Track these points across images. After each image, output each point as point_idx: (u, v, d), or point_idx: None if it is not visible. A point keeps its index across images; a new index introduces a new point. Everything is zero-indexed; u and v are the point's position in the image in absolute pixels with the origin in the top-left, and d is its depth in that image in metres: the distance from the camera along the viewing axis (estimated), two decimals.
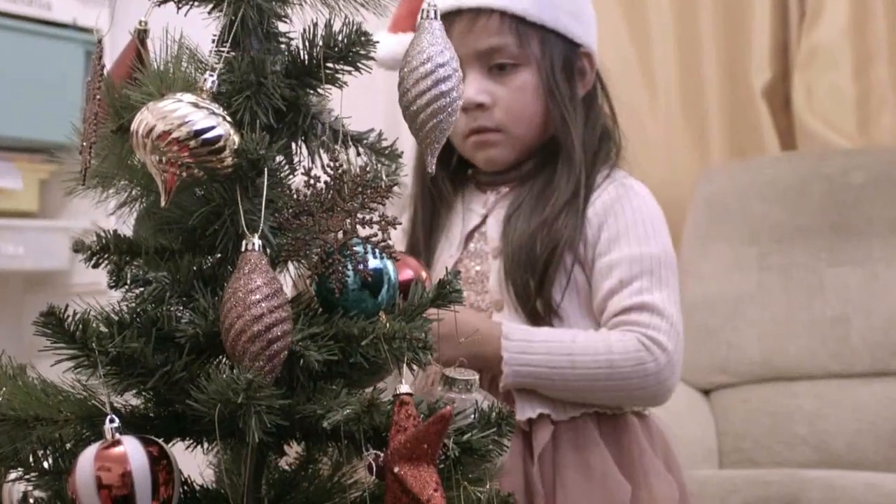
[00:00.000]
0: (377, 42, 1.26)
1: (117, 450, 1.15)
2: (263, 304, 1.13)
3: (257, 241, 1.18)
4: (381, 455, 1.17)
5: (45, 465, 1.26)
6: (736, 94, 3.34)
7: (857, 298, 2.86)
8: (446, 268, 1.30)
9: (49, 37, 2.77)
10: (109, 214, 1.34)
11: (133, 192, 1.32)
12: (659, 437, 1.92)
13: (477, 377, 1.36)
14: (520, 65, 1.89)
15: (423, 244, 1.94)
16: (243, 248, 1.17)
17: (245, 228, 1.19)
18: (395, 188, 1.27)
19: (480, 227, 1.93)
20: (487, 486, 1.27)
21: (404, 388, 1.18)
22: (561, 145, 1.89)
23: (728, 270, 2.98)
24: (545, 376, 1.79)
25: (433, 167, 1.27)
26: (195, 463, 1.32)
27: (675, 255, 1.91)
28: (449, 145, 1.81)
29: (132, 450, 1.15)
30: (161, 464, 1.16)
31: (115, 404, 1.23)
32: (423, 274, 1.35)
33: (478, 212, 1.95)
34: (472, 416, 1.24)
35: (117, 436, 1.16)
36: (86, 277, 2.72)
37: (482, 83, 1.88)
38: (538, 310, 1.84)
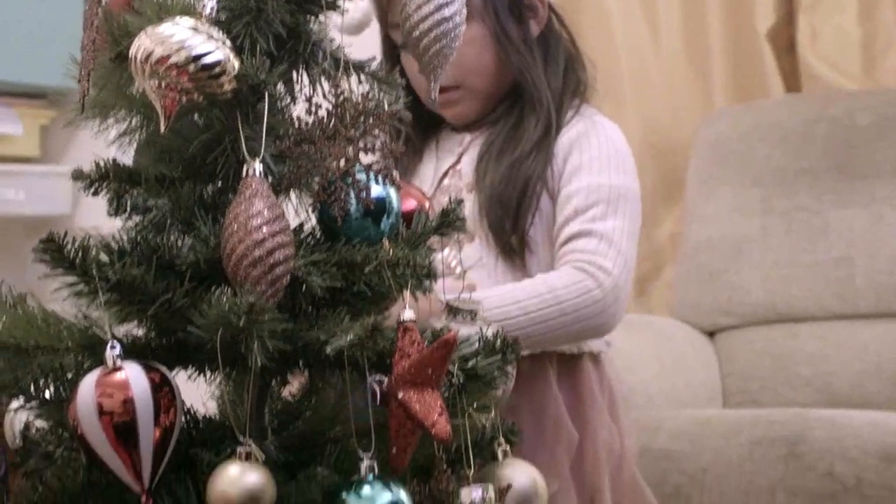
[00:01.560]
0: None
1: (119, 376, 1.14)
2: (265, 229, 1.12)
3: (258, 166, 1.17)
4: (385, 380, 1.16)
5: (47, 394, 1.26)
6: (740, 37, 3.31)
7: (862, 240, 2.85)
8: (449, 196, 1.29)
9: None
10: (109, 144, 1.33)
11: (133, 123, 1.31)
12: (607, 384, 1.92)
13: (481, 306, 1.35)
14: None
15: None
16: (244, 174, 1.16)
17: (246, 154, 1.18)
18: (397, 116, 1.25)
19: (455, 165, 1.93)
20: (493, 414, 1.26)
21: (408, 314, 1.17)
22: (524, 91, 1.88)
23: (731, 213, 2.97)
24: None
25: (437, 93, 1.26)
26: (198, 394, 1.32)
27: (638, 193, 1.89)
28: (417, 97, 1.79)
29: (134, 376, 1.14)
30: (163, 390, 1.15)
31: (117, 334, 1.22)
32: (426, 203, 1.34)
33: (453, 151, 1.95)
34: (477, 343, 1.23)
35: (119, 362, 1.15)
36: (88, 222, 2.69)
37: None
38: (512, 245, 1.84)
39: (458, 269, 1.86)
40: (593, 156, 1.86)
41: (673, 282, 3.09)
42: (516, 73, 1.88)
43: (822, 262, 2.86)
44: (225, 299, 1.10)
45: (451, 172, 1.93)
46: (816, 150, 2.93)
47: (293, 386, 1.32)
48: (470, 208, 1.87)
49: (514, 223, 1.84)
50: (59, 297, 1.21)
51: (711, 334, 2.95)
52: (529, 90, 1.87)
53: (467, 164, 1.92)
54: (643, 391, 2.54)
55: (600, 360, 1.91)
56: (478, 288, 1.82)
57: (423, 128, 1.96)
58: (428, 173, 1.94)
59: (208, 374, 1.26)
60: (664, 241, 3.26)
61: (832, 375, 2.78)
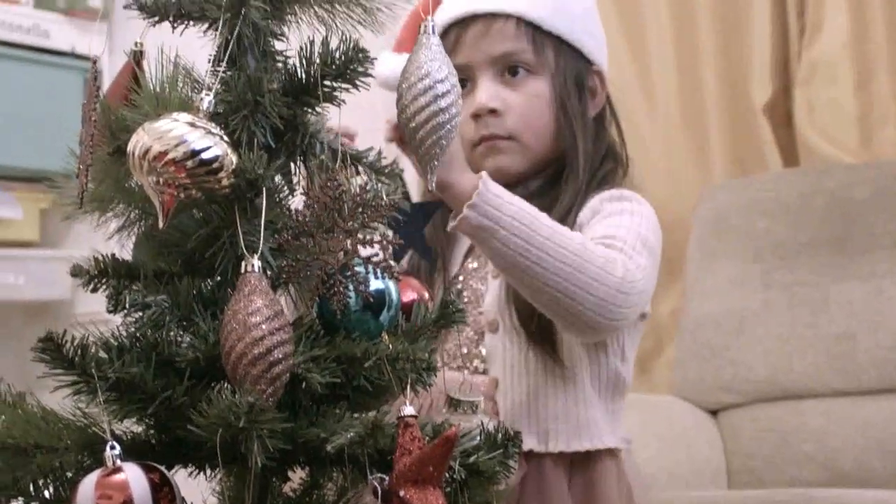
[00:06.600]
0: (374, 59, 1.25)
1: (118, 477, 1.13)
2: (264, 327, 1.12)
3: (257, 263, 1.16)
4: (386, 478, 1.15)
5: (46, 494, 1.24)
6: (737, 111, 3.32)
7: (863, 314, 2.84)
8: (446, 287, 1.28)
9: (47, 65, 2.77)
10: (108, 238, 1.33)
11: (131, 216, 1.31)
12: (625, 482, 1.83)
13: (482, 399, 1.34)
14: (534, 73, 1.84)
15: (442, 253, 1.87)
16: (243, 270, 1.16)
17: (244, 250, 1.17)
18: (396, 207, 1.25)
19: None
20: None
21: (408, 409, 1.16)
22: (566, 163, 1.84)
23: (732, 288, 2.96)
24: (511, 225, 1.58)
25: (434, 184, 1.25)
26: (198, 490, 1.30)
27: (659, 259, 1.78)
28: None
29: (133, 477, 1.13)
30: (163, 491, 1.14)
31: (116, 431, 1.21)
32: (426, 295, 1.33)
33: None
34: (478, 437, 1.22)
35: (118, 462, 1.15)
36: (87, 307, 2.70)
37: (495, 89, 1.82)
38: (540, 331, 1.78)
39: (477, 362, 1.82)
40: (616, 210, 1.76)
41: (674, 360, 3.07)
42: (567, 143, 1.83)
43: (823, 338, 2.85)
44: (224, 398, 1.10)
45: (473, 254, 1.88)
46: (815, 224, 2.93)
47: (294, 481, 1.31)
48: (494, 294, 1.81)
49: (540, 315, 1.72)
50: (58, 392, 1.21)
51: (714, 412, 2.93)
52: (573, 165, 1.82)
53: None
54: (646, 472, 2.52)
55: (619, 458, 1.82)
56: (501, 384, 1.75)
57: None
58: (459, 247, 1.89)
59: (208, 471, 1.25)
60: (665, 318, 3.25)
61: (836, 452, 2.76)
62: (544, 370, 1.78)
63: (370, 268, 1.22)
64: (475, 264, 1.88)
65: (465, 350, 1.82)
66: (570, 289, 1.61)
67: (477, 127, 1.83)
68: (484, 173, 1.60)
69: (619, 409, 1.85)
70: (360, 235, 1.22)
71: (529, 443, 1.74)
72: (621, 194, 1.82)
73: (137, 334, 1.21)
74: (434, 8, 1.79)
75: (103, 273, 1.24)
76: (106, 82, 1.34)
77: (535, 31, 1.84)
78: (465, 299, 1.84)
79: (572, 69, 1.86)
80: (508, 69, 1.84)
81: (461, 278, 1.87)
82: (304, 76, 1.24)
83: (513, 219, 1.59)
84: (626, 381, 1.85)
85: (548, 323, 1.75)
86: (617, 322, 1.67)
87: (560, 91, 1.85)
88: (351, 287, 1.21)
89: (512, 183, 1.83)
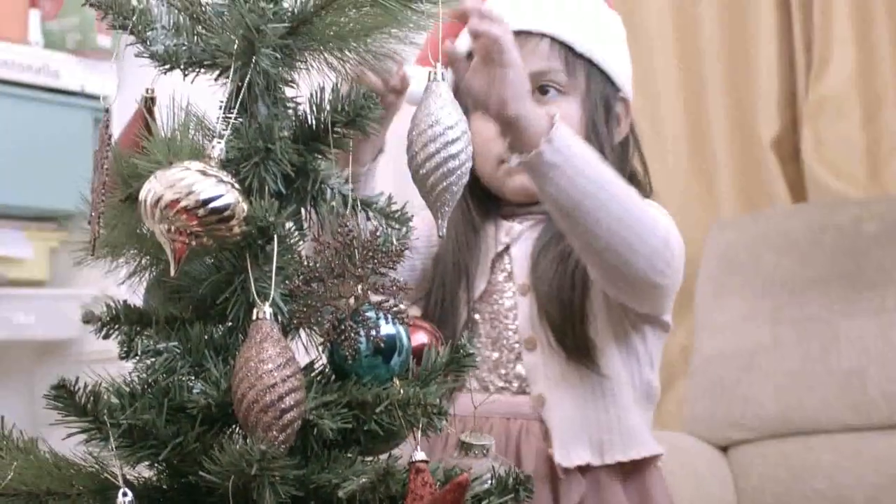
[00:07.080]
0: (383, 108, 1.26)
1: None
2: (276, 374, 1.12)
3: (268, 310, 1.17)
4: None
5: None
6: (744, 147, 3.32)
7: (873, 349, 2.83)
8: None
9: (57, 104, 2.78)
10: (119, 284, 1.34)
11: (143, 262, 1.32)
12: (667, 489, 1.87)
13: (493, 442, 1.34)
14: (565, 93, 1.85)
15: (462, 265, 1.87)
16: (254, 317, 1.16)
17: (256, 296, 1.18)
18: (406, 252, 1.26)
19: (503, 255, 1.87)
20: None
21: (420, 455, 1.17)
22: None
23: (742, 324, 2.96)
24: (580, 164, 1.65)
25: (444, 230, 1.26)
26: None
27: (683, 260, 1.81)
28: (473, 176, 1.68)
29: None
30: None
31: (128, 477, 1.21)
32: (436, 338, 1.34)
33: (501, 240, 1.88)
34: (489, 481, 1.23)
35: None
36: (97, 345, 2.68)
37: None
38: (577, 346, 1.79)
39: (517, 383, 1.83)
40: None
41: (684, 396, 3.07)
42: None
43: (834, 373, 2.85)
44: (236, 446, 1.10)
45: (497, 265, 1.87)
46: (825, 260, 2.93)
47: None
48: (526, 312, 1.82)
49: (580, 325, 1.78)
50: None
51: (724, 448, 2.93)
52: None
53: (518, 261, 1.85)
54: None
55: (659, 468, 1.86)
56: (547, 401, 1.79)
57: (483, 206, 1.90)
58: (484, 259, 1.88)
59: None
60: (675, 354, 3.24)
61: (848, 489, 2.75)
62: (590, 382, 1.80)
63: (381, 313, 1.23)
64: (496, 279, 1.87)
65: (502, 371, 1.83)
66: (629, 237, 1.67)
67: (504, 144, 1.82)
68: (554, 108, 1.65)
69: (650, 419, 1.89)
70: (370, 281, 1.23)
71: (585, 456, 1.78)
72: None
73: (149, 380, 1.22)
74: (453, 32, 1.80)
75: (115, 319, 1.26)
76: (115, 122, 1.34)
77: (568, 53, 1.85)
78: (492, 316, 1.84)
79: (602, 93, 1.87)
80: (539, 88, 1.84)
81: (487, 290, 1.86)
82: (314, 123, 1.25)
83: (583, 158, 1.66)
84: (657, 390, 1.89)
85: (583, 336, 1.77)
86: (662, 280, 1.73)
87: (590, 114, 1.85)
88: (362, 332, 1.22)
89: (537, 202, 1.83)
